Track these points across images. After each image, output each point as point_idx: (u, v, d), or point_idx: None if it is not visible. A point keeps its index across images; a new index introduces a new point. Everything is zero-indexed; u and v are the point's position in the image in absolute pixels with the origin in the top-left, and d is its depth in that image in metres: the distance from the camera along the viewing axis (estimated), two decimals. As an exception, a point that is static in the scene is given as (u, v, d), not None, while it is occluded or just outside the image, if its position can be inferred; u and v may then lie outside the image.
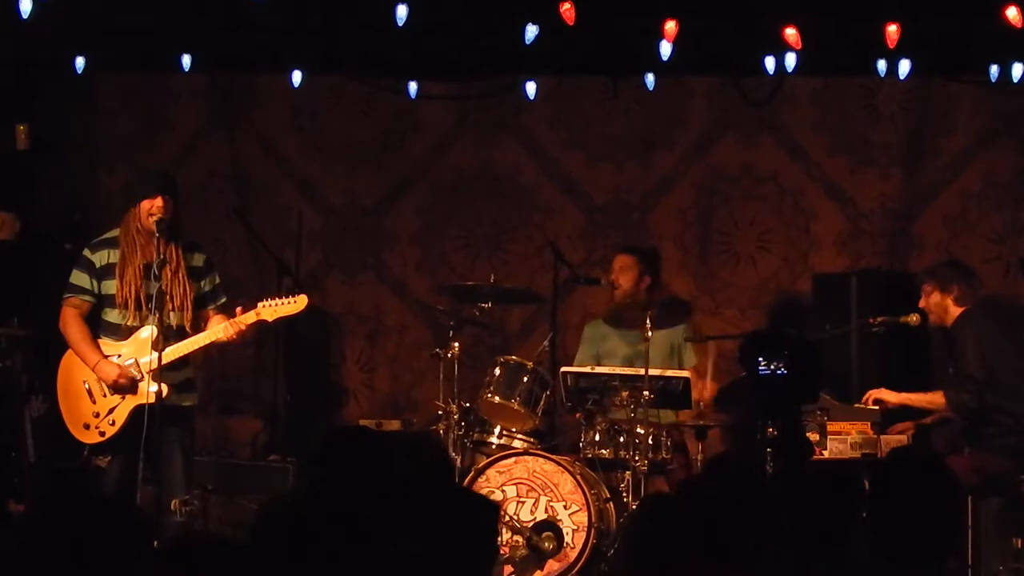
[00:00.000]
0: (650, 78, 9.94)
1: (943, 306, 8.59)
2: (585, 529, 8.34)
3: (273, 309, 7.99)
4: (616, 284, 9.45)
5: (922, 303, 8.66)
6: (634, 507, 8.14)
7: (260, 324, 8.04)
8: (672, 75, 10.05)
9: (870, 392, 8.62)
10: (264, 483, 9.29)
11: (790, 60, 9.28)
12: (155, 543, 4.47)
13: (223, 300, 8.14)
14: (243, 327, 7.95)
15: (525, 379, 8.83)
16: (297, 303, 8.03)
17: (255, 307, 7.99)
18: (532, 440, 8.86)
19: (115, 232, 8.01)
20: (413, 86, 10.29)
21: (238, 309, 8.00)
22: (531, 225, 10.64)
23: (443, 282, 10.16)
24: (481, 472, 8.52)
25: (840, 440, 8.34)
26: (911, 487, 4.74)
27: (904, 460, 5.12)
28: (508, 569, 8.34)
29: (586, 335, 9.64)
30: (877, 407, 8.52)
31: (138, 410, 7.83)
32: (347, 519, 4.70)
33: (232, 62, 10.33)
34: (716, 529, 4.77)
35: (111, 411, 7.92)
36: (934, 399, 8.57)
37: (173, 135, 10.82)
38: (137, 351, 7.89)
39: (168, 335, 7.79)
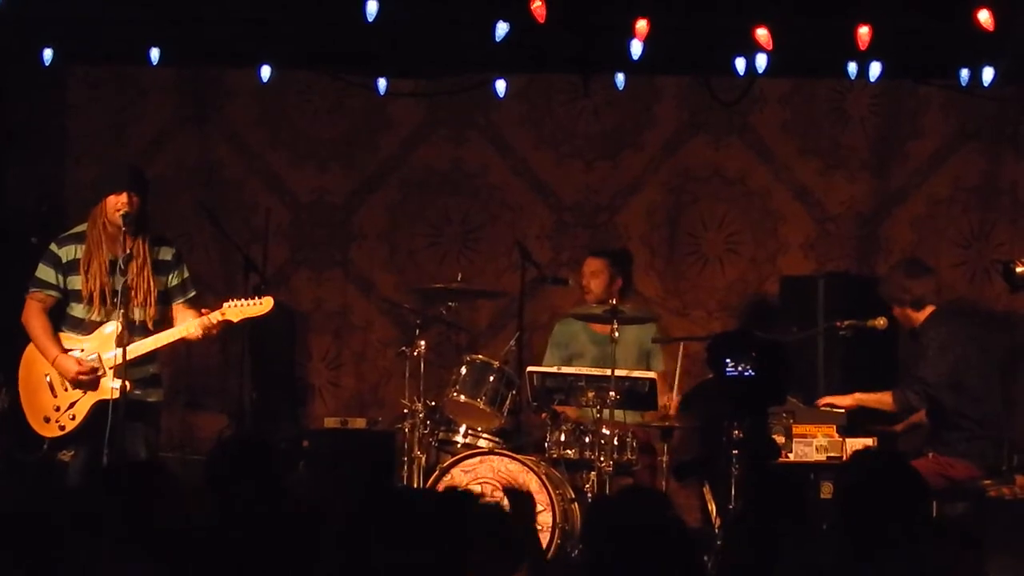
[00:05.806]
0: (620, 77, 9.91)
1: (908, 316, 8.58)
2: (549, 529, 8.29)
3: (239, 310, 7.94)
4: (587, 289, 9.39)
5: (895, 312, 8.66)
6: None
7: (226, 324, 7.99)
8: (642, 74, 10.03)
9: (822, 399, 8.64)
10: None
11: (761, 61, 9.25)
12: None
13: (192, 294, 8.09)
14: (209, 326, 7.90)
15: (491, 378, 8.81)
16: (263, 304, 7.98)
17: (220, 307, 7.94)
18: (497, 439, 8.84)
19: (83, 227, 7.95)
20: (382, 83, 10.24)
21: (204, 310, 7.95)
22: (500, 224, 10.61)
23: (410, 280, 10.13)
24: (446, 471, 8.49)
25: (805, 443, 8.33)
26: (877, 484, 4.77)
27: (869, 459, 5.15)
28: (471, 570, 8.29)
29: (556, 336, 9.56)
30: (842, 410, 8.52)
31: (99, 405, 7.77)
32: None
33: (201, 56, 10.27)
34: None
35: (72, 405, 7.87)
36: (883, 399, 8.58)
37: (142, 129, 10.76)
38: (101, 346, 7.84)
39: (132, 331, 7.75)
